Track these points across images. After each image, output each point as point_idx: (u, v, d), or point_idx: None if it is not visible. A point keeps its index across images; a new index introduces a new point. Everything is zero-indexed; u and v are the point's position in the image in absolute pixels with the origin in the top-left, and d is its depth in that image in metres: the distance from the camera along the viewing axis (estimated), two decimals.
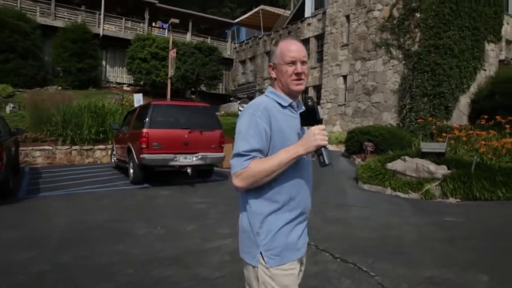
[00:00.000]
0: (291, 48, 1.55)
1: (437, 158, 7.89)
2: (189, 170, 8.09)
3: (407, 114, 13.88)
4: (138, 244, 4.47)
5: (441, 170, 7.37)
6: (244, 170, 1.43)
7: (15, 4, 20.38)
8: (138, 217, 5.73)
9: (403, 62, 14.25)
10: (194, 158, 8.18)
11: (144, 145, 7.79)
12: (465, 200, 7.00)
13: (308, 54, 19.75)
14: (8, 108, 15.18)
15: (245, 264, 1.59)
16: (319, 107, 20.30)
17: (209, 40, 26.14)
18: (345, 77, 16.91)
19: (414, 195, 7.24)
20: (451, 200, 6.98)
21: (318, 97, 18.75)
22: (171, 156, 7.94)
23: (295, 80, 1.55)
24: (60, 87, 20.32)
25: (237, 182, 1.46)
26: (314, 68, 19.27)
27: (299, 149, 1.43)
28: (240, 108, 20.32)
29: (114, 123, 11.18)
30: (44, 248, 4.27)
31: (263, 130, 1.46)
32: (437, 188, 7.15)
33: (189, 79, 21.29)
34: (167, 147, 7.92)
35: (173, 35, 24.67)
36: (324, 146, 1.43)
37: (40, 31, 19.74)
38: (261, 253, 1.49)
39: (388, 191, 7.56)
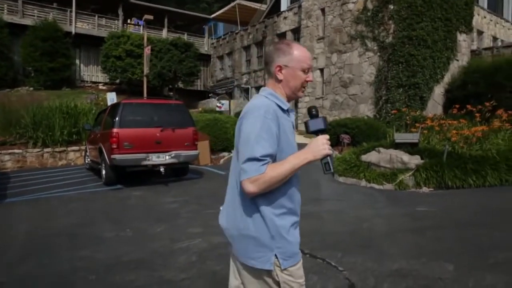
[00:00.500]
0: (308, 55, 1.60)
1: (410, 148, 7.96)
2: (162, 169, 7.92)
3: (383, 106, 14.00)
4: (103, 248, 4.32)
5: (414, 160, 7.43)
6: (261, 176, 1.42)
7: None
8: (107, 220, 5.56)
9: (378, 54, 14.35)
10: (167, 157, 8.01)
11: (114, 145, 7.57)
12: (438, 189, 7.08)
13: None
14: None
15: (250, 269, 1.56)
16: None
17: (185, 36, 25.78)
18: (322, 70, 16.93)
19: (388, 186, 7.28)
20: (424, 189, 7.05)
21: None
22: (143, 155, 7.75)
23: (304, 87, 1.62)
24: (31, 88, 19.75)
25: (252, 187, 1.43)
26: None
27: (308, 155, 1.47)
28: (218, 104, 20.13)
29: (86, 124, 10.87)
30: (0, 258, 4.07)
31: (275, 134, 1.47)
32: (411, 178, 7.20)
33: (165, 76, 20.96)
34: (139, 146, 7.73)
35: (148, 32, 24.24)
36: (330, 155, 1.50)
37: (7, 29, 19.05)
38: (276, 256, 1.51)
39: (363, 183, 7.59)
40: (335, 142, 11.59)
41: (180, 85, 22.61)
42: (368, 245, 4.18)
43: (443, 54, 14.69)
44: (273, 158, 1.47)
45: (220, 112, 18.30)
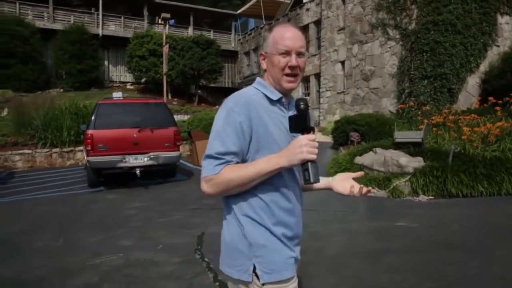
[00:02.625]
0: (286, 35, 1.32)
1: (413, 149, 6.91)
2: (137, 172, 7.54)
3: (406, 99, 12.68)
4: (17, 261, 3.96)
5: (414, 163, 6.40)
6: (215, 176, 1.25)
7: (13, 10, 20.61)
8: (54, 227, 5.24)
9: (401, 42, 13.02)
10: (146, 159, 7.62)
11: (89, 147, 7.32)
12: (439, 197, 6.04)
13: (308, 42, 18.86)
14: (4, 112, 15.34)
15: (229, 279, 1.39)
16: (316, 110, 19.30)
17: (211, 34, 25.55)
18: (343, 62, 15.81)
19: (380, 193, 6.33)
20: (422, 198, 6.03)
21: (319, 85, 17.74)
22: (119, 157, 7.43)
23: (288, 75, 1.33)
24: (62, 90, 20.48)
25: (206, 188, 1.28)
26: (315, 55, 18.21)
27: (281, 160, 1.22)
28: None
29: (82, 124, 10.83)
30: None
31: (242, 129, 1.26)
32: (407, 184, 6.20)
33: (187, 74, 20.83)
34: (115, 148, 7.41)
35: (174, 31, 24.37)
36: (312, 161, 1.20)
37: (39, 35, 19.86)
38: (254, 266, 1.31)
39: None
40: (345, 140, 10.62)
41: (204, 82, 22.38)
42: (301, 273, 3.42)
43: (478, 40, 12.99)
44: (240, 156, 1.27)
45: None
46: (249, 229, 1.31)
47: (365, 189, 1.39)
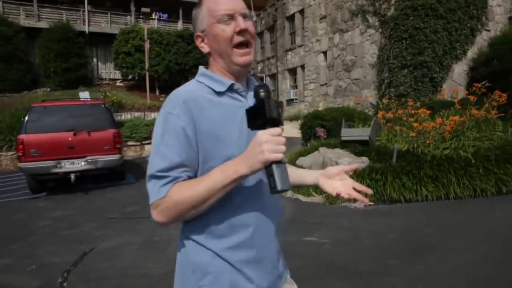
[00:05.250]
0: None
1: (362, 147, 6.30)
2: (72, 177, 7.16)
3: (386, 90, 11.95)
4: None
5: (356, 164, 5.78)
6: (162, 200, 0.99)
7: None
8: None
9: (380, 30, 12.25)
10: (83, 163, 7.24)
11: (20, 153, 6.97)
12: (380, 203, 5.43)
13: (294, 32, 18.20)
14: None
15: None
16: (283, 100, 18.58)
17: None
18: (325, 53, 15.13)
19: (318, 198, 5.77)
20: (359, 204, 5.43)
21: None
22: (53, 163, 7.05)
23: (239, 46, 1.05)
24: (49, 89, 20.36)
25: (155, 215, 1.01)
26: (301, 46, 17.52)
27: (239, 166, 0.95)
28: None
29: None
30: None
31: (186, 135, 1.01)
32: None
33: (173, 70, 20.41)
34: (49, 153, 7.03)
35: (163, 26, 23.94)
36: (278, 162, 0.91)
37: (23, 34, 19.70)
38: None
39: (289, 193, 6.13)
40: (312, 137, 10.03)
41: (191, 77, 21.93)
42: None
43: (465, 25, 12.09)
44: (191, 167, 1.02)
45: None
46: (193, 253, 1.08)
47: (354, 194, 1.15)
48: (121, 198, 6.81)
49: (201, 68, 1.15)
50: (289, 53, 18.54)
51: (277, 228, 1.15)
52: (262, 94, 0.96)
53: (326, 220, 4.85)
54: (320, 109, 15.23)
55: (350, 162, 5.86)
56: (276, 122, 0.95)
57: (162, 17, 25.75)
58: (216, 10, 1.06)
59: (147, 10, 16.79)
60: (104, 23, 23.03)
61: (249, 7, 24.48)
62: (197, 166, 1.04)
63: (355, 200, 1.17)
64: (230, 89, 1.09)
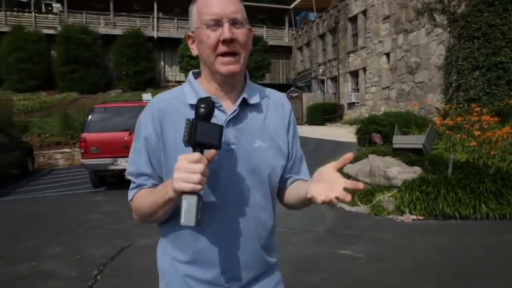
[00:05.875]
0: (210, 0, 0.96)
1: (415, 156, 5.84)
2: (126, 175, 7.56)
3: (454, 94, 10.98)
4: None
5: (406, 175, 5.37)
6: (130, 203, 1.08)
7: (81, 20, 22.56)
8: (10, 229, 5.44)
9: (448, 29, 11.29)
10: None
11: (82, 150, 7.56)
12: (431, 217, 4.96)
13: (356, 33, 17.56)
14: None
15: None
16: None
17: (264, 30, 25.24)
18: (387, 55, 14.35)
19: (362, 209, 5.44)
20: (406, 217, 5.01)
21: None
22: (110, 160, 7.54)
23: (223, 54, 0.96)
24: (120, 90, 21.98)
25: (132, 214, 1.09)
26: (363, 48, 16.83)
27: (169, 188, 0.88)
28: None
29: None
30: None
31: (150, 145, 1.01)
32: (390, 200, 5.22)
33: None
34: (107, 151, 7.54)
35: None
36: (191, 193, 0.83)
37: (100, 41, 21.51)
38: None
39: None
40: (368, 143, 9.54)
41: (253, 80, 22.21)
42: None
43: None
44: (155, 177, 1.03)
45: None
46: (158, 255, 1.10)
47: (346, 197, 0.84)
48: None
49: (190, 74, 1.10)
50: (351, 55, 17.92)
51: (253, 245, 1.05)
52: (201, 110, 0.86)
53: (366, 233, 4.54)
54: (381, 113, 14.51)
55: (400, 172, 5.44)
56: (203, 145, 0.85)
57: None
58: (203, 13, 0.97)
59: None
60: (172, 29, 24.27)
61: (311, 9, 24.18)
62: (160, 175, 1.03)
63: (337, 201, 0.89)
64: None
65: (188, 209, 0.83)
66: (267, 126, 1.05)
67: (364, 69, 16.72)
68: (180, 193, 0.85)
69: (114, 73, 22.81)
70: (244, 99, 1.02)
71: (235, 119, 1.01)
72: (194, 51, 1.06)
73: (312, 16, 28.68)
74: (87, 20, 22.71)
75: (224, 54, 0.96)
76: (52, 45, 20.89)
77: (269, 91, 1.15)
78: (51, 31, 21.65)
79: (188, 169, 0.82)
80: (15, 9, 23.70)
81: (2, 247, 4.70)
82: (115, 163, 7.58)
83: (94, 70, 21.12)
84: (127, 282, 3.49)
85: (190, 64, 21.42)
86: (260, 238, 1.06)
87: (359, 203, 5.51)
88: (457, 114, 7.83)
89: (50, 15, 23.64)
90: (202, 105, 0.87)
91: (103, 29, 22.66)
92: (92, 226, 5.40)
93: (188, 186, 0.82)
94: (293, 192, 1.10)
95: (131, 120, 7.68)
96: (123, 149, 7.57)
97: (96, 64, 21.26)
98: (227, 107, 1.02)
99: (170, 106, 1.02)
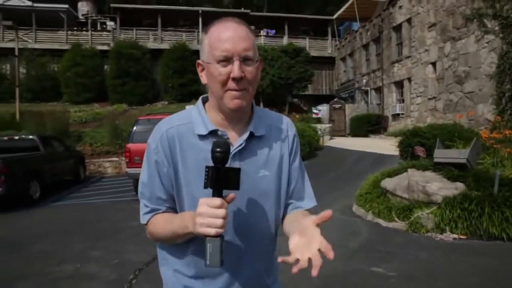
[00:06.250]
0: (223, 34, 0.99)
1: (458, 171, 5.56)
2: None
3: (508, 105, 10.32)
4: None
5: (447, 191, 5.12)
6: (145, 226, 1.11)
7: (131, 36, 23.91)
8: (59, 232, 5.84)
9: (500, 35, 10.67)
10: None
11: (127, 160, 7.97)
12: (474, 237, 4.68)
13: (401, 42, 17.08)
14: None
15: None
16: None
17: (307, 41, 25.27)
18: (434, 64, 13.81)
19: (399, 225, 5.24)
20: (446, 236, 4.76)
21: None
22: None
23: (233, 90, 0.99)
24: (166, 102, 22.92)
25: (147, 233, 1.13)
26: (408, 57, 16.33)
27: (189, 224, 0.94)
28: (315, 111, 18.89)
29: None
30: None
31: (162, 171, 1.05)
32: (429, 217, 4.99)
33: (276, 84, 20.98)
34: None
35: (270, 41, 24.89)
36: (214, 236, 0.88)
37: (149, 55, 22.67)
38: None
39: (369, 216, 5.69)
40: (411, 155, 9.19)
41: (294, 91, 22.24)
42: None
43: None
44: (171, 202, 1.07)
45: (318, 120, 17.14)
46: (161, 264, 1.16)
47: (315, 267, 0.89)
48: None
49: (199, 100, 1.13)
50: (396, 65, 17.43)
51: (255, 267, 1.10)
52: (218, 154, 0.89)
53: (402, 251, 4.38)
54: (425, 125, 13.92)
55: (441, 187, 5.20)
56: (227, 187, 0.90)
57: (270, 33, 26.85)
58: (215, 48, 0.98)
59: (251, 27, 17.69)
60: None
61: (354, 19, 23.88)
62: (174, 199, 1.07)
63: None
64: (213, 133, 1.04)
65: (213, 252, 0.87)
66: (271, 156, 1.09)
67: (409, 79, 16.18)
68: (204, 236, 0.89)
69: (161, 85, 23.85)
70: (250, 132, 1.06)
71: (241, 151, 1.05)
72: (203, 79, 1.07)
73: (356, 26, 28.31)
74: (137, 35, 24.03)
75: (232, 90, 0.99)
76: (106, 60, 22.32)
77: (275, 117, 1.16)
78: (105, 47, 23.14)
79: (211, 214, 0.87)
80: (75, 28, 25.68)
81: (53, 248, 5.07)
82: None
83: (142, 83, 22.24)
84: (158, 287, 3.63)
85: None
86: (262, 261, 1.12)
87: (396, 218, 5.32)
88: (509, 127, 7.35)
89: (104, 33, 25.32)
90: (218, 149, 0.89)
91: (151, 44, 23.86)
92: (132, 233, 5.66)
93: (212, 231, 0.87)
94: (288, 225, 1.09)
95: None
96: None
97: (144, 77, 22.38)
98: (233, 138, 1.06)
99: (178, 133, 1.05)
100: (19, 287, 3.78)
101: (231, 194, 0.92)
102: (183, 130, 1.05)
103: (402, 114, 16.97)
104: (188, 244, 1.05)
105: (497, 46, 10.82)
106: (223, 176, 0.89)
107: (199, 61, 1.07)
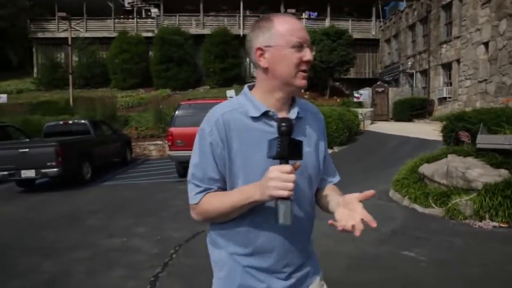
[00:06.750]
0: (295, 25, 1.15)
1: (502, 157, 5.34)
2: None
3: None
4: (51, 235, 5.04)
5: (489, 177, 4.95)
6: (195, 206, 1.19)
7: (174, 22, 24.43)
8: (109, 209, 6.32)
9: None
10: None
11: (169, 143, 8.37)
12: None
13: (450, 22, 16.15)
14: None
15: None
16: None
17: (350, 23, 24.52)
18: (486, 44, 12.97)
19: (436, 211, 5.16)
20: (485, 224, 4.64)
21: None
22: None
23: (303, 71, 1.15)
24: (208, 87, 23.36)
25: (193, 214, 1.23)
26: (458, 37, 15.43)
27: (255, 193, 1.07)
28: (356, 95, 18.40)
29: None
30: None
31: (216, 152, 1.15)
32: (468, 204, 4.87)
33: (317, 67, 20.66)
34: (191, 144, 7.94)
35: (312, 24, 24.42)
36: (285, 198, 1.01)
37: (191, 40, 23.06)
38: None
39: (406, 201, 5.63)
40: (454, 141, 8.84)
41: (336, 75, 21.78)
42: None
43: None
44: (222, 182, 1.17)
45: (360, 104, 16.75)
46: (213, 250, 1.26)
47: (357, 229, 1.03)
48: None
49: (246, 88, 1.24)
50: (444, 46, 16.54)
51: (303, 236, 1.24)
52: (283, 128, 1.03)
53: (435, 236, 4.35)
54: (471, 109, 13.19)
55: (482, 174, 5.03)
56: (292, 157, 1.03)
57: (312, 15, 26.30)
58: (291, 36, 1.12)
59: (292, 11, 17.50)
60: None
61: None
62: (225, 180, 1.17)
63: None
64: (265, 114, 1.16)
65: (285, 212, 1.00)
66: (309, 134, 1.23)
67: (458, 61, 15.32)
68: (272, 199, 1.03)
69: (203, 70, 24.28)
70: (298, 112, 1.21)
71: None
72: (263, 63, 1.16)
73: (402, 5, 26.95)
74: (180, 21, 24.51)
75: (303, 71, 1.15)
76: (150, 47, 23.04)
77: (306, 103, 1.32)
78: (150, 34, 23.84)
79: (283, 178, 1.00)
80: (122, 16, 26.67)
81: (103, 223, 5.54)
82: None
83: (185, 68, 22.73)
84: (197, 262, 3.90)
85: None
86: (307, 230, 1.26)
87: (433, 204, 5.24)
88: None
89: (149, 20, 26.08)
90: (284, 124, 1.03)
91: (194, 30, 24.24)
92: (174, 212, 6.02)
93: (285, 193, 1.00)
94: (324, 199, 1.27)
95: None
96: None
97: (187, 63, 22.84)
98: None
99: (232, 116, 1.15)
100: (76, 255, 4.21)
101: (297, 163, 1.06)
102: (237, 114, 1.16)
103: (449, 98, 16.17)
104: (241, 224, 1.16)
105: None
106: (291, 146, 1.02)
107: (259, 45, 1.15)
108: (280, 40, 1.13)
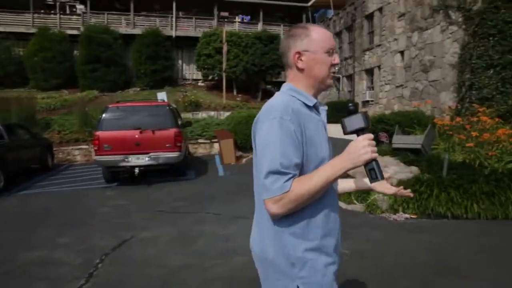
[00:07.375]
0: (328, 34, 1.38)
1: (414, 156, 5.89)
2: (136, 171, 7.92)
3: (467, 93, 10.82)
4: None
5: (402, 174, 5.45)
6: (285, 195, 1.19)
7: (102, 20, 23.23)
8: (25, 220, 5.83)
9: (463, 26, 11.12)
10: (146, 159, 7.97)
11: (96, 147, 7.94)
12: (423, 216, 5.04)
13: (372, 31, 17.43)
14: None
15: None
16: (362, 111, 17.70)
17: (281, 28, 25.29)
18: (402, 53, 14.21)
19: (358, 207, 5.55)
20: (399, 216, 5.10)
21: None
22: (121, 157, 7.89)
23: (333, 72, 1.37)
24: (138, 89, 22.52)
25: (276, 209, 1.21)
26: (379, 45, 16.70)
27: (346, 163, 1.21)
28: None
29: None
30: None
31: (297, 138, 1.24)
32: (384, 199, 5.31)
33: (250, 71, 21.01)
34: (118, 148, 7.88)
35: (244, 28, 24.78)
36: (375, 160, 1.22)
37: (121, 40, 22.07)
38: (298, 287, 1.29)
39: None
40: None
41: (269, 78, 22.33)
42: None
43: None
44: (299, 169, 1.23)
45: None
46: (292, 247, 1.27)
47: (404, 192, 1.61)
48: (175, 193, 7.35)
49: (289, 84, 1.37)
50: (367, 53, 17.80)
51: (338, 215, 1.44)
52: (351, 107, 1.27)
53: (357, 230, 4.67)
54: (389, 112, 14.39)
55: (397, 171, 5.52)
56: (367, 129, 1.24)
57: (245, 19, 26.67)
58: (326, 43, 1.34)
59: (225, 14, 17.60)
60: (190, 28, 24.66)
61: (329, 7, 23.99)
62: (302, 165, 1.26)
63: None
64: (314, 106, 1.35)
65: (378, 169, 1.21)
66: (325, 123, 1.43)
67: (379, 67, 16.58)
68: (368, 162, 1.20)
69: (133, 71, 23.37)
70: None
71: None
72: (300, 65, 1.34)
73: (330, 13, 28.51)
74: (109, 20, 23.37)
75: (333, 72, 1.37)
76: (75, 45, 21.62)
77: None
78: (75, 32, 22.40)
79: (372, 144, 1.21)
80: (42, 11, 24.67)
81: (20, 236, 5.08)
82: (126, 159, 7.92)
83: (114, 69, 21.68)
84: (124, 270, 3.76)
85: (207, 62, 21.73)
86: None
87: (355, 201, 5.63)
88: (465, 114, 7.77)
89: (74, 16, 24.49)
90: (351, 104, 1.27)
91: (123, 29, 23.25)
92: (101, 219, 5.74)
93: (376, 155, 1.21)
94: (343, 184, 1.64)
95: (142, 119, 8.04)
96: (134, 147, 7.93)
97: (116, 63, 21.82)
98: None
99: (297, 106, 1.29)
100: None
101: (370, 134, 1.25)
102: (297, 104, 1.30)
103: (371, 101, 17.42)
104: (317, 210, 1.28)
105: (460, 37, 11.26)
106: (364, 119, 1.25)
107: (298, 50, 1.33)
108: (316, 46, 1.32)
